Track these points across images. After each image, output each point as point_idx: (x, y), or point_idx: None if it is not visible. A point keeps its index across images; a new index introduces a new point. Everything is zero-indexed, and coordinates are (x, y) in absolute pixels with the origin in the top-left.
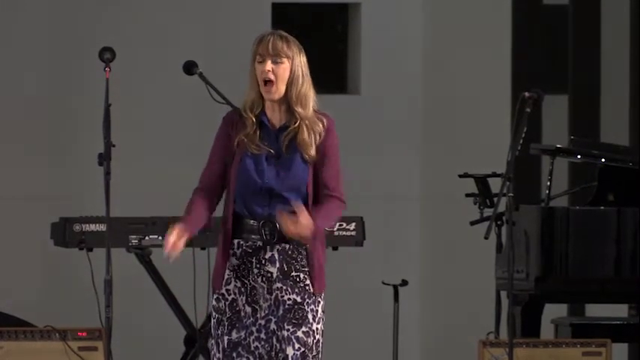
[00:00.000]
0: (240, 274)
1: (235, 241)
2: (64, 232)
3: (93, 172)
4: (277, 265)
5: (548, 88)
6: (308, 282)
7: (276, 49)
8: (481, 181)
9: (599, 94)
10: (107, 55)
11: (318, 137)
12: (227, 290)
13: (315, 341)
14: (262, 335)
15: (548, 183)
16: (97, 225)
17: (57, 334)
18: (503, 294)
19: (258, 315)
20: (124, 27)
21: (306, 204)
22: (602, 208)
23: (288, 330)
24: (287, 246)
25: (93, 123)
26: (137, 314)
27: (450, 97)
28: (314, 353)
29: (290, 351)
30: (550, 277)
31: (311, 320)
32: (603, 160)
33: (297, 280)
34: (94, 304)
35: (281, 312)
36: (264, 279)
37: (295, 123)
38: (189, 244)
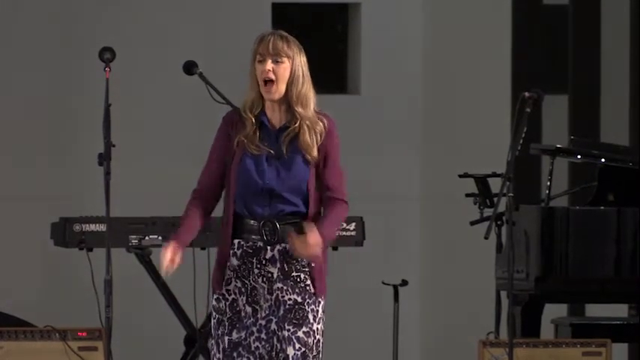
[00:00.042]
0: (240, 275)
1: (236, 242)
2: (64, 232)
3: (93, 172)
4: (278, 265)
5: (548, 88)
6: (308, 282)
7: (276, 48)
8: (481, 181)
9: (599, 94)
10: (107, 55)
11: (319, 138)
12: (227, 290)
13: (315, 341)
14: (263, 335)
15: (548, 183)
16: (97, 225)
17: (57, 334)
18: (503, 294)
19: (259, 315)
20: (124, 27)
21: (306, 204)
22: (602, 208)
23: (288, 330)
24: (287, 246)
25: (93, 123)
26: (137, 314)
27: (450, 97)
28: (314, 353)
29: (290, 351)
30: (550, 277)
31: (311, 320)
32: (603, 160)
33: (298, 280)
34: (94, 304)
35: (282, 312)
36: (264, 279)
37: (296, 123)
38: (190, 244)
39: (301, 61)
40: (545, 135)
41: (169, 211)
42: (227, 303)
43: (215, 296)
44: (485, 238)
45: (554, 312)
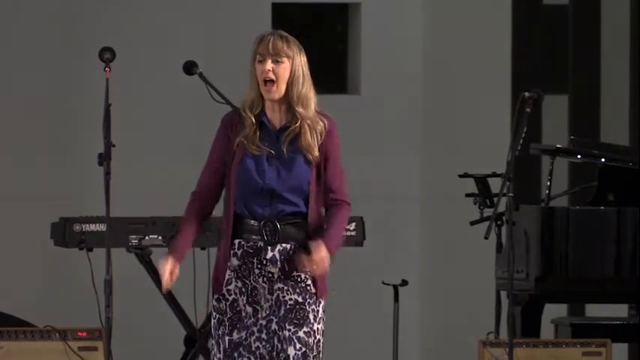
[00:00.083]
0: (241, 275)
1: (236, 242)
2: (64, 232)
3: (93, 172)
4: (278, 265)
5: (548, 88)
6: (309, 282)
7: (276, 48)
8: (481, 181)
9: (599, 94)
10: (107, 55)
11: (319, 137)
12: (228, 290)
13: (315, 341)
14: (263, 335)
15: (548, 183)
16: (97, 225)
17: (57, 334)
18: (503, 294)
19: (259, 315)
20: (124, 27)
21: (307, 204)
22: (602, 208)
23: (289, 330)
24: (288, 246)
25: (93, 123)
26: (137, 314)
27: (450, 97)
28: (314, 353)
29: (291, 351)
30: (550, 277)
31: (312, 320)
32: (603, 160)
33: (299, 280)
34: (94, 304)
35: (282, 312)
36: (265, 279)
37: (296, 123)
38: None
39: (301, 61)
40: (545, 135)
41: (169, 211)
42: (227, 303)
43: (215, 296)
44: (486, 238)
45: (554, 312)
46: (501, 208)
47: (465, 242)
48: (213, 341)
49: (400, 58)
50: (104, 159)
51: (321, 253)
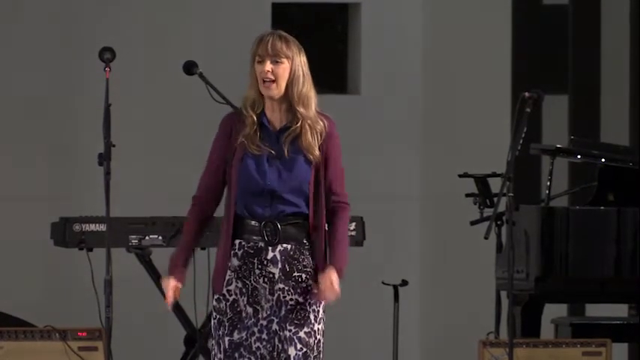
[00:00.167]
0: (241, 275)
1: (236, 242)
2: (64, 232)
3: (93, 172)
4: (279, 265)
5: (548, 88)
6: (310, 282)
7: (275, 49)
8: (481, 181)
9: (599, 94)
10: (107, 55)
11: (319, 137)
12: (228, 291)
13: (316, 341)
14: (264, 336)
15: (548, 183)
16: (97, 225)
17: (57, 334)
18: (503, 294)
19: (260, 315)
20: (124, 27)
21: (307, 205)
22: (602, 208)
23: (290, 330)
24: (288, 246)
25: (93, 123)
26: (137, 314)
27: (450, 97)
28: (315, 353)
29: (292, 351)
30: (550, 277)
31: (313, 321)
32: (603, 160)
33: (299, 280)
34: (94, 304)
35: (283, 312)
36: (266, 280)
37: (297, 123)
38: None
39: (301, 61)
40: (545, 135)
41: (169, 211)
42: (228, 303)
43: (216, 297)
44: (485, 238)
45: (554, 312)
46: (501, 208)
47: (465, 242)
48: (214, 341)
49: (400, 58)
50: (104, 159)
51: (327, 281)
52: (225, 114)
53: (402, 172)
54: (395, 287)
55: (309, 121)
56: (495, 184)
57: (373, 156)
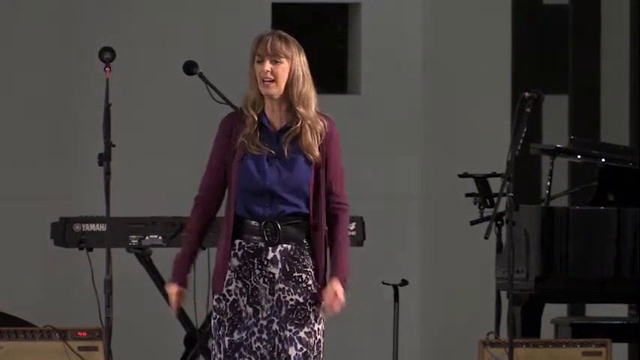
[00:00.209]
0: (241, 275)
1: (236, 242)
2: (64, 232)
3: (93, 172)
4: (279, 265)
5: (548, 88)
6: (310, 282)
7: (274, 49)
8: (481, 181)
9: (599, 94)
10: (107, 55)
11: (319, 138)
12: (228, 291)
13: (316, 341)
14: (264, 336)
15: (548, 183)
16: (97, 225)
17: (57, 334)
18: (503, 294)
19: (260, 315)
20: (124, 27)
21: (308, 205)
22: (602, 208)
23: (290, 330)
24: (289, 247)
25: (93, 123)
26: (137, 314)
27: (450, 97)
28: (315, 353)
29: (292, 351)
30: (550, 277)
31: (313, 321)
32: (603, 160)
33: (300, 280)
34: (94, 304)
35: (283, 312)
36: (266, 280)
37: (297, 123)
38: None
39: (301, 61)
40: (545, 135)
41: (169, 211)
42: (228, 303)
43: (216, 297)
44: (486, 238)
45: (554, 312)
46: (501, 208)
47: (465, 242)
48: (214, 341)
49: (400, 58)
50: (104, 159)
51: (330, 295)
52: (225, 114)
53: (402, 172)
54: (395, 287)
55: (309, 122)
56: (495, 184)
57: (373, 156)
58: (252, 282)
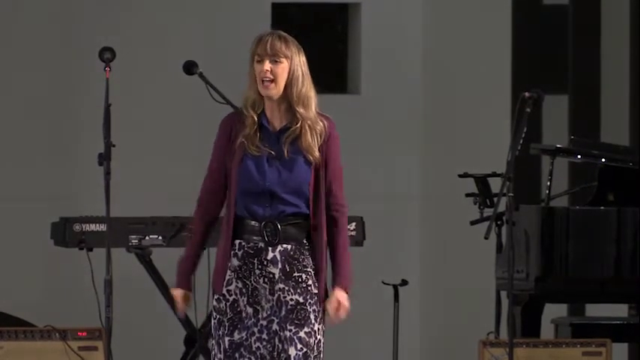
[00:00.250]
0: (241, 275)
1: (236, 242)
2: (64, 232)
3: (93, 172)
4: (279, 266)
5: (548, 88)
6: (310, 282)
7: (274, 49)
8: (481, 181)
9: (599, 94)
10: (107, 55)
11: (319, 138)
12: (228, 291)
13: (316, 341)
14: (264, 336)
15: (548, 183)
16: (97, 225)
17: (57, 334)
18: (503, 294)
19: (260, 316)
20: (124, 27)
21: (308, 205)
22: (602, 208)
23: (290, 330)
24: (289, 247)
25: (93, 123)
26: (137, 314)
27: (450, 97)
28: (315, 353)
29: (292, 351)
30: (550, 277)
31: (313, 321)
32: (603, 160)
33: (300, 280)
34: (94, 304)
35: (283, 312)
36: (266, 280)
37: (297, 124)
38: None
39: (300, 61)
40: (545, 135)
41: (169, 211)
42: (228, 304)
43: (216, 297)
44: (486, 238)
45: (554, 312)
46: (501, 208)
47: (465, 242)
48: (214, 341)
49: (400, 58)
50: (104, 159)
51: (334, 304)
52: (225, 114)
53: (402, 172)
54: (395, 287)
55: (309, 122)
56: (495, 184)
57: (373, 156)
58: (252, 282)
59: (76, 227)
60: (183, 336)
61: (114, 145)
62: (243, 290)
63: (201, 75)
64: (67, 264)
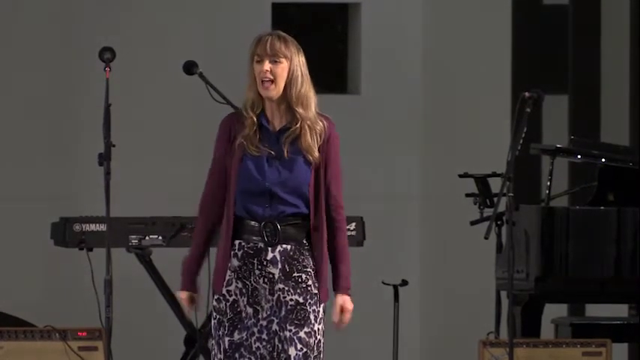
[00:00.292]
0: (241, 275)
1: (236, 242)
2: (64, 232)
3: (93, 172)
4: (279, 266)
5: (548, 88)
6: (310, 283)
7: (273, 49)
8: (481, 181)
9: (599, 94)
10: (107, 55)
11: (319, 138)
12: (228, 291)
13: (316, 341)
14: (264, 336)
15: (548, 183)
16: (97, 225)
17: (57, 334)
18: (503, 294)
19: (260, 316)
20: (124, 27)
21: (307, 205)
22: (602, 208)
23: (290, 330)
24: (288, 247)
25: (93, 123)
26: (137, 314)
27: (450, 97)
28: (315, 353)
29: (292, 351)
30: (550, 277)
31: (313, 321)
32: (603, 160)
33: (299, 280)
34: (94, 304)
35: (283, 313)
36: (266, 280)
37: (297, 124)
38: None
39: (300, 61)
40: (545, 135)
41: (169, 211)
42: (228, 304)
43: (216, 297)
44: (486, 238)
45: (554, 312)
46: (501, 208)
47: (465, 242)
48: (214, 342)
49: (400, 58)
50: (104, 159)
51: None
52: (225, 114)
53: (402, 172)
54: (395, 287)
55: (308, 122)
56: (495, 184)
57: (373, 156)
58: (252, 282)
59: (76, 227)
60: (183, 336)
61: (114, 145)
62: (243, 290)
63: (201, 75)
64: (67, 264)
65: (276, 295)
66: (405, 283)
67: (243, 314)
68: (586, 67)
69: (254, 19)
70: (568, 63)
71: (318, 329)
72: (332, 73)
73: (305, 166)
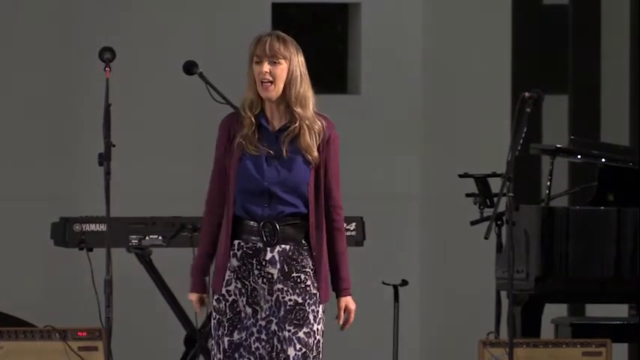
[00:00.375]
0: (240, 275)
1: (235, 242)
2: (64, 232)
3: (93, 172)
4: (278, 266)
5: (548, 88)
6: (309, 283)
7: (273, 50)
8: (481, 181)
9: (599, 94)
10: (107, 55)
11: (317, 138)
12: (227, 291)
13: (315, 342)
14: (263, 336)
15: (548, 183)
16: (97, 225)
17: (57, 334)
18: (503, 294)
19: (259, 316)
20: (124, 27)
21: (306, 205)
22: (602, 208)
23: (289, 331)
24: (287, 247)
25: (93, 123)
26: (137, 314)
27: (450, 97)
28: (314, 354)
29: (291, 351)
30: (550, 277)
31: (312, 321)
32: (603, 160)
33: (298, 281)
34: (94, 304)
35: (282, 313)
36: (264, 280)
37: (295, 124)
38: (190, 244)
39: (299, 61)
40: (545, 135)
41: (169, 211)
42: (227, 304)
43: (215, 297)
44: (486, 238)
45: (554, 312)
46: (501, 208)
47: (465, 242)
48: (213, 342)
49: (400, 58)
50: (104, 159)
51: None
52: (225, 114)
53: (402, 172)
54: (395, 287)
55: (307, 122)
56: (495, 184)
57: (373, 156)
58: (251, 282)
59: (76, 227)
60: (183, 336)
61: (114, 145)
62: (243, 290)
63: (201, 75)
64: (67, 264)
65: (275, 295)
66: (405, 283)
67: (243, 314)
68: (586, 67)
69: (254, 19)
70: (568, 63)
71: (318, 329)
72: (332, 73)
73: (304, 166)
